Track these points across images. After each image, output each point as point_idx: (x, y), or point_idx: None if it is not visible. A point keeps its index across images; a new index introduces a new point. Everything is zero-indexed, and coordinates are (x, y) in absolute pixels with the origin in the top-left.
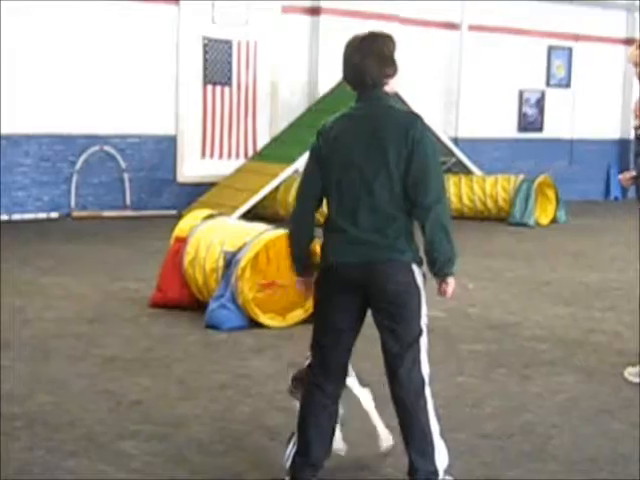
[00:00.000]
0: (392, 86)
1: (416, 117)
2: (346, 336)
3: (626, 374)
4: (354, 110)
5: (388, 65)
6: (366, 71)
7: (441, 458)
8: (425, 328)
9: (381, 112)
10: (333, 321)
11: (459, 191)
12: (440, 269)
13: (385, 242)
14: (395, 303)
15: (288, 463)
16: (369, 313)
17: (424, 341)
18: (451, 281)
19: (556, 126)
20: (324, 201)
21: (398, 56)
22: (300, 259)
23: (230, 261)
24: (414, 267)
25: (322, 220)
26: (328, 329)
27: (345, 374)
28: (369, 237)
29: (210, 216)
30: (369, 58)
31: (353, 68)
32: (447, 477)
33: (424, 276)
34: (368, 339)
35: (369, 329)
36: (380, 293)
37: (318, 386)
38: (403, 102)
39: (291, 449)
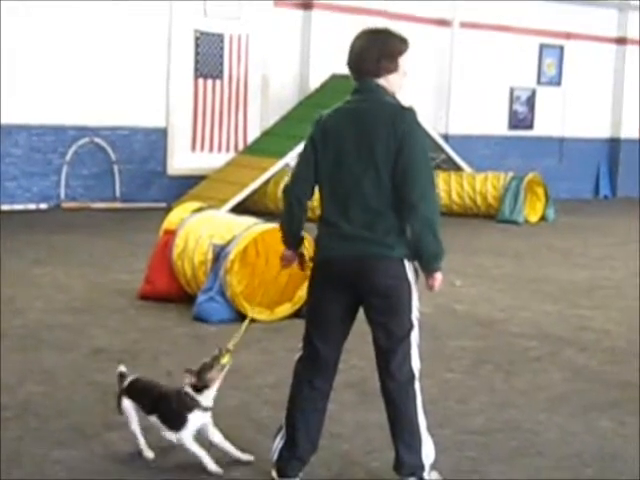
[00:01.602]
0: (392, 85)
1: (406, 110)
2: (336, 330)
3: None
4: (348, 104)
5: (387, 58)
6: (364, 58)
7: (428, 453)
8: (416, 323)
9: (373, 107)
10: (324, 315)
11: (449, 187)
12: (426, 265)
13: (375, 238)
14: (386, 298)
15: (275, 456)
16: (361, 310)
17: (415, 336)
18: (438, 276)
19: (546, 124)
20: (315, 196)
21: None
22: (291, 237)
23: (219, 254)
24: (405, 262)
25: (312, 216)
26: (319, 323)
27: (335, 370)
28: (360, 233)
29: (200, 209)
30: (370, 47)
31: (353, 54)
32: (433, 472)
33: (416, 271)
34: (359, 335)
35: (359, 325)
36: (371, 288)
37: (308, 381)
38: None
39: (278, 442)
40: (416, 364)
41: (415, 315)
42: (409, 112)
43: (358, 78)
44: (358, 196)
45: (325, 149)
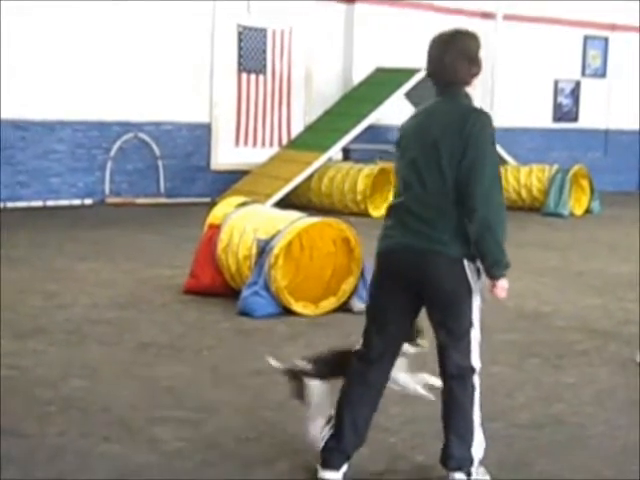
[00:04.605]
0: (474, 87)
1: (474, 112)
2: (393, 325)
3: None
4: (430, 106)
5: (475, 64)
6: (457, 71)
7: (478, 448)
8: (477, 322)
9: (448, 109)
10: (382, 309)
11: None
12: (488, 271)
13: (435, 235)
14: (446, 298)
15: (321, 445)
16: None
17: (475, 334)
18: (501, 284)
19: (591, 116)
20: (359, 188)
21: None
22: None
23: (263, 249)
24: (465, 262)
25: (356, 209)
26: (376, 316)
27: (390, 365)
28: (420, 228)
29: (244, 204)
30: (459, 58)
31: (443, 67)
32: (480, 468)
33: (478, 271)
34: None
35: None
36: (432, 288)
37: (361, 375)
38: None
39: (326, 433)
40: (476, 360)
41: (475, 315)
42: (481, 115)
43: (444, 88)
44: (421, 192)
45: (401, 151)
